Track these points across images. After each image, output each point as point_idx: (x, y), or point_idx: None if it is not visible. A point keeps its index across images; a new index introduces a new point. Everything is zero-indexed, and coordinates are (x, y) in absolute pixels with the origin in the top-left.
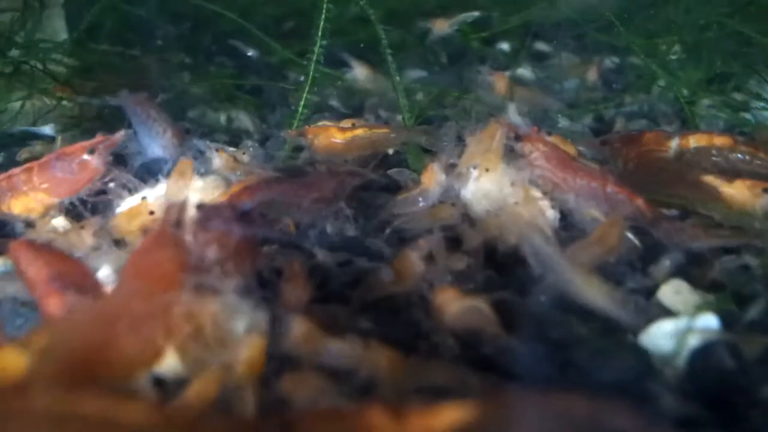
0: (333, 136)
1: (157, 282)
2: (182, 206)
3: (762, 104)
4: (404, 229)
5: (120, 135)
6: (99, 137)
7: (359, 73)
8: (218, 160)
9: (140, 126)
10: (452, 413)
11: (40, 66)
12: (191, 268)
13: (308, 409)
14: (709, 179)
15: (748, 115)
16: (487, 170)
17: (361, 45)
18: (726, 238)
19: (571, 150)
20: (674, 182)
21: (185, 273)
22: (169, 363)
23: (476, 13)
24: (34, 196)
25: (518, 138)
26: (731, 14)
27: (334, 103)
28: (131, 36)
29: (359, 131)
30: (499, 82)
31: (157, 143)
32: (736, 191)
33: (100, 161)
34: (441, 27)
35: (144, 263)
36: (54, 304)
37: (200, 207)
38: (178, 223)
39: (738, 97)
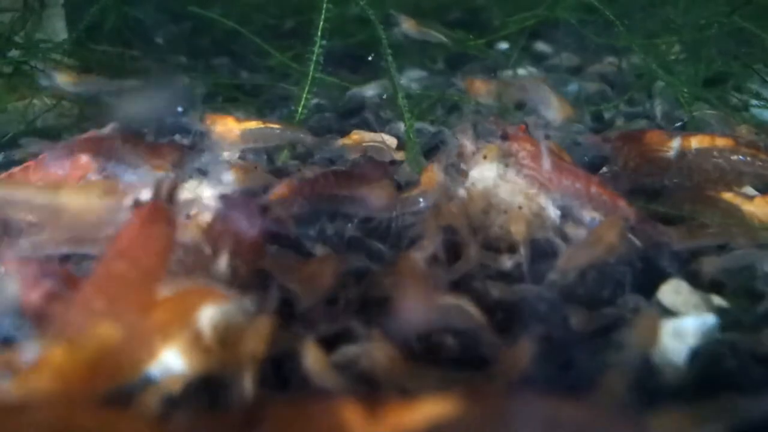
0: (229, 125)
1: (143, 259)
2: (173, 182)
3: (762, 103)
4: (405, 228)
5: (109, 128)
6: (91, 132)
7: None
8: (228, 176)
9: (108, 165)
10: (429, 409)
11: (40, 66)
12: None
13: (279, 400)
14: (729, 197)
15: (747, 115)
16: (485, 157)
17: (372, 53)
18: (711, 238)
19: (565, 158)
20: (693, 199)
21: (171, 250)
22: (172, 361)
23: (448, 43)
24: None
25: (505, 137)
26: (730, 13)
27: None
28: (131, 36)
29: (253, 124)
30: (472, 85)
31: (132, 178)
32: (757, 208)
33: (90, 156)
34: (409, 26)
35: (133, 239)
36: (35, 293)
37: (223, 197)
38: (170, 199)
39: (737, 96)
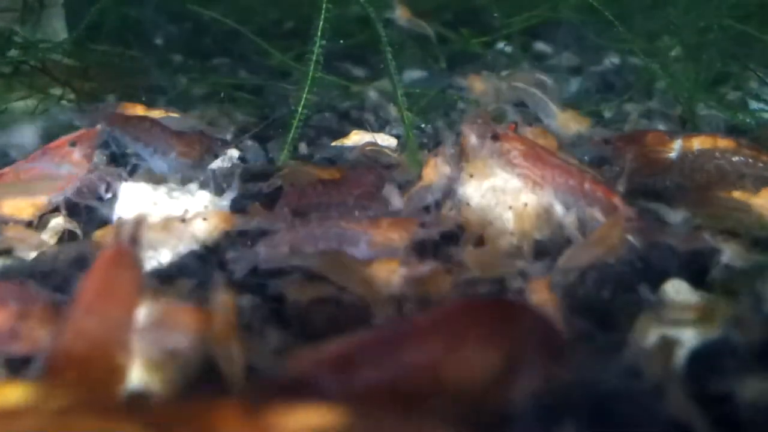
0: (135, 112)
1: (112, 304)
2: (138, 223)
3: (762, 105)
4: None
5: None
6: (81, 131)
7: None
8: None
9: (135, 146)
10: (313, 416)
11: (40, 66)
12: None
13: (156, 403)
14: (737, 194)
15: (748, 115)
16: (471, 176)
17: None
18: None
19: (552, 143)
20: (701, 198)
21: (140, 292)
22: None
23: (433, 38)
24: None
25: (495, 137)
26: (730, 15)
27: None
28: (131, 36)
29: (157, 113)
30: (474, 82)
31: (160, 163)
32: (765, 201)
33: (82, 154)
34: (402, 14)
35: (99, 284)
36: None
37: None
38: (134, 241)
39: (735, 96)
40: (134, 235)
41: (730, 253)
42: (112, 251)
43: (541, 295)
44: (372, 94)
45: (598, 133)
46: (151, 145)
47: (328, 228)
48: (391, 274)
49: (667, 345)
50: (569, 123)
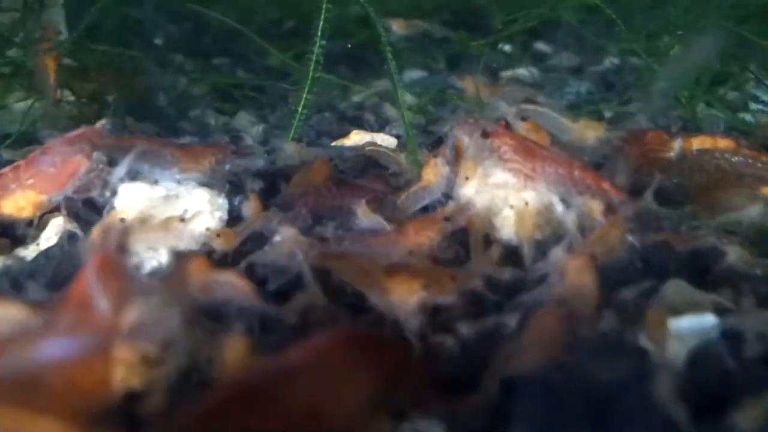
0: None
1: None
2: (123, 231)
3: (760, 106)
4: None
5: (100, 125)
6: (80, 130)
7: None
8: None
9: (135, 165)
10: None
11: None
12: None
13: None
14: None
15: (747, 116)
16: (467, 178)
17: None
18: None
19: (544, 138)
20: (725, 191)
21: (126, 299)
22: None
23: (433, 32)
24: (22, 194)
25: (485, 135)
26: (730, 15)
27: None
28: (131, 36)
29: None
30: (468, 85)
31: (166, 177)
32: None
33: (81, 153)
34: (400, 27)
35: (85, 293)
36: None
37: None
38: (120, 249)
39: (734, 96)
40: (121, 242)
41: (732, 254)
42: (98, 260)
43: (579, 267)
44: (362, 92)
45: (616, 135)
46: (150, 163)
47: (359, 247)
48: (410, 295)
49: (659, 316)
50: (585, 132)
